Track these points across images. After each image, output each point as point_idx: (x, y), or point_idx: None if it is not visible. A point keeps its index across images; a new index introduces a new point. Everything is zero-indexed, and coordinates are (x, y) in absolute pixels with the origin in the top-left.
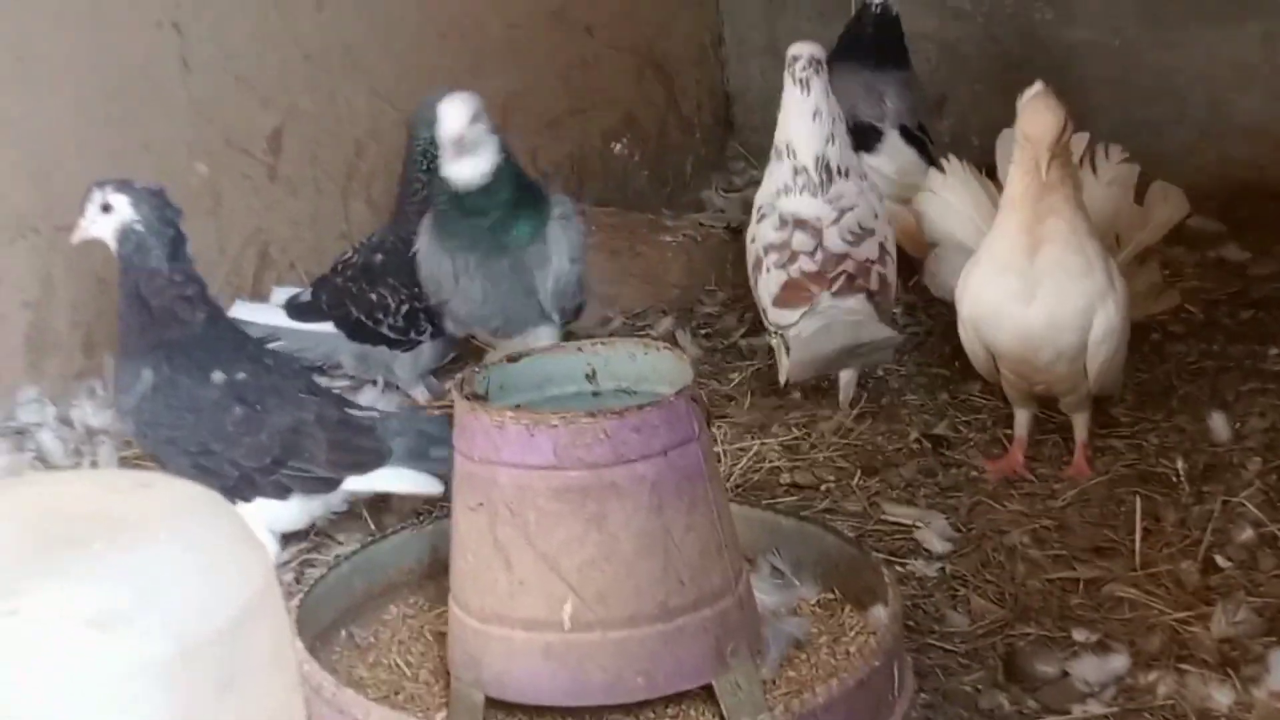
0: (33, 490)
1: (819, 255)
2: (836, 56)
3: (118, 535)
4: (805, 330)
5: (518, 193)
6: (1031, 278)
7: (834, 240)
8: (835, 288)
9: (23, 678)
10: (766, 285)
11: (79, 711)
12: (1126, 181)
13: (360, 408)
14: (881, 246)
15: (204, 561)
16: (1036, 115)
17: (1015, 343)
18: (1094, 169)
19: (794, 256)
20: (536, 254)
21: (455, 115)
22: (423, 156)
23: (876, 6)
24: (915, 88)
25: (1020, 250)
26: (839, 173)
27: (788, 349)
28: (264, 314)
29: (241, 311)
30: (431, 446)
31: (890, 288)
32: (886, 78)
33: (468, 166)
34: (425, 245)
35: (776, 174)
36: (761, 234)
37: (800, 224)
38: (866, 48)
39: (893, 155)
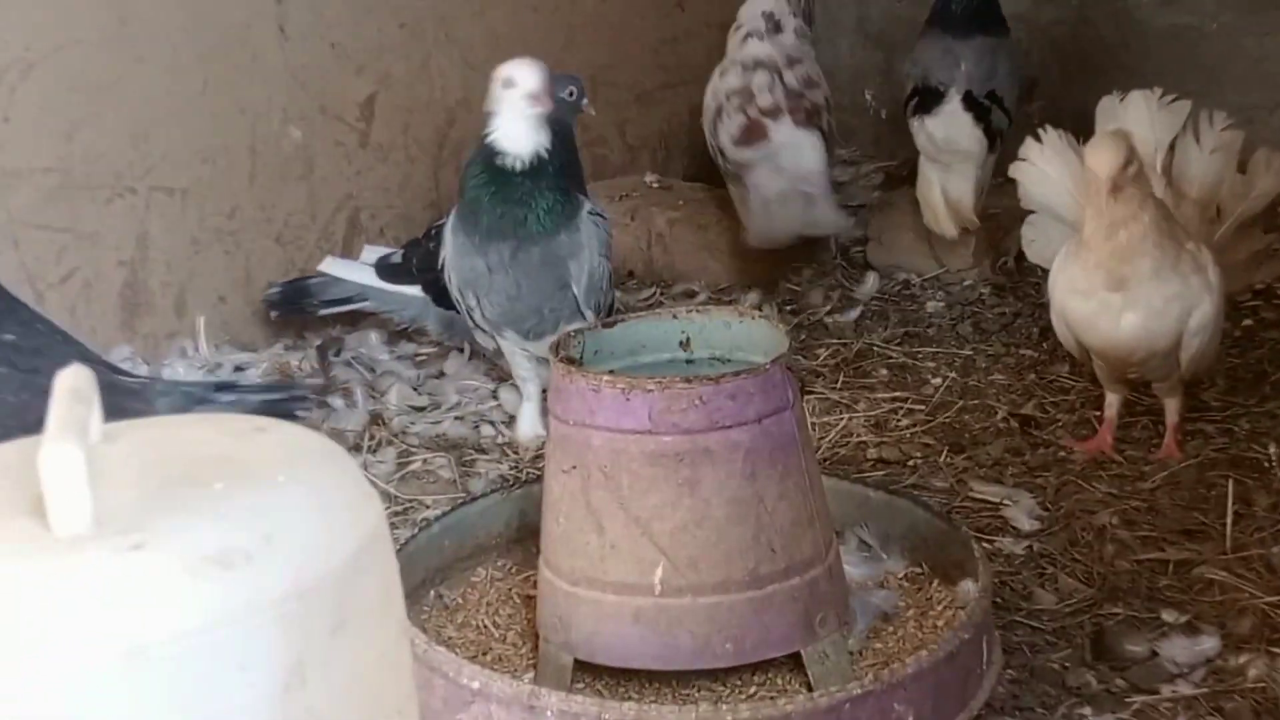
0: (153, 433)
1: (777, 90)
2: (928, 21)
3: (237, 476)
4: (767, 189)
5: (561, 173)
6: (1119, 305)
7: (791, 79)
8: (797, 119)
9: (149, 610)
10: (727, 129)
11: (203, 644)
12: (1230, 149)
13: (130, 375)
14: (827, 100)
15: (319, 504)
16: (1097, 148)
17: (1107, 346)
18: (1197, 137)
19: (751, 97)
20: (569, 243)
21: (534, 71)
22: None
23: None
24: (1002, 56)
25: (1103, 285)
26: (784, 29)
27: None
28: (354, 271)
29: (332, 267)
30: (195, 405)
31: (835, 137)
32: (969, 44)
33: (528, 137)
34: (454, 243)
35: (732, 40)
36: (724, 84)
37: (759, 64)
38: (953, 14)
39: (947, 119)
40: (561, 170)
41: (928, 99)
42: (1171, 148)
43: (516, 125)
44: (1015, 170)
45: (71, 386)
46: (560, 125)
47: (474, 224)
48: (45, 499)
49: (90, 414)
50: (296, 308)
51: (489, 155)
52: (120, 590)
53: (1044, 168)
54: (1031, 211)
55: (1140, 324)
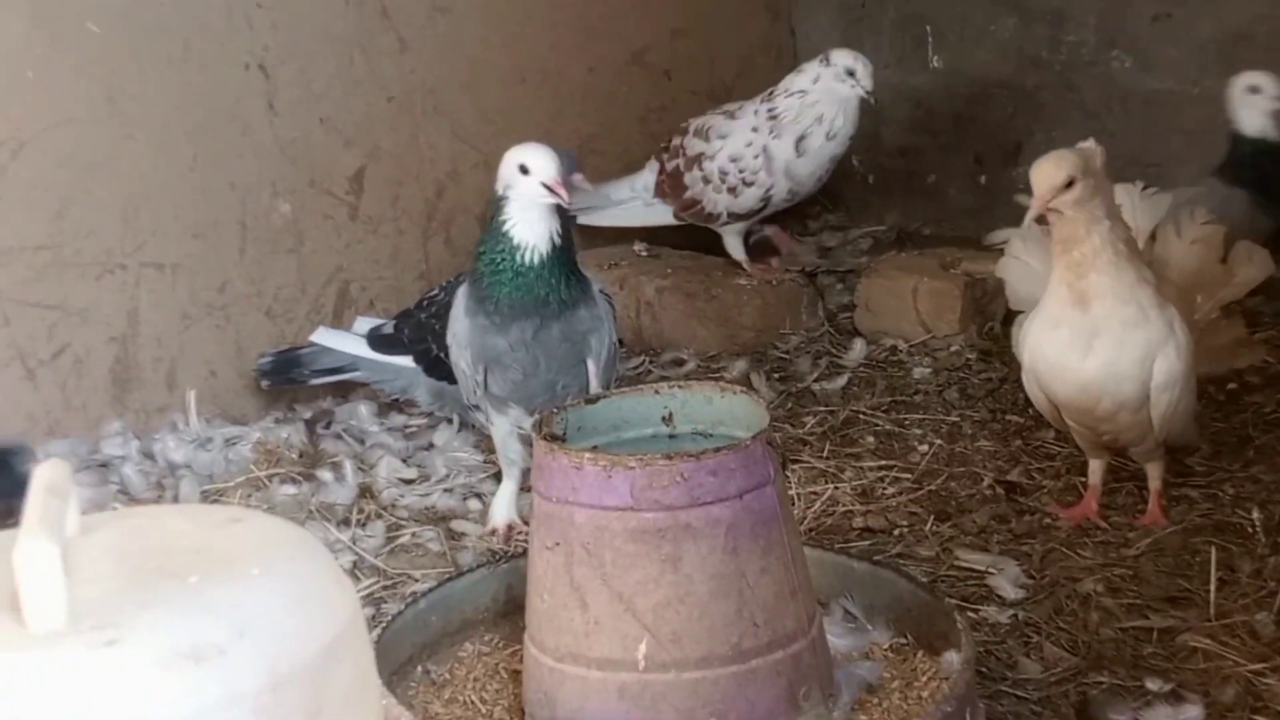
0: (129, 523)
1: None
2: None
3: (212, 568)
4: None
5: (573, 250)
6: (1086, 330)
7: (691, 124)
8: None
9: (122, 707)
10: None
11: None
12: (1211, 241)
13: None
14: (700, 165)
15: (294, 595)
16: (1038, 166)
17: (1075, 394)
18: (1178, 229)
19: None
20: (589, 318)
21: (550, 159)
22: None
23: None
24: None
25: (1068, 304)
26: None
27: None
28: (346, 341)
29: (323, 338)
30: None
31: (695, 202)
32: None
33: (543, 225)
34: (471, 323)
35: None
36: None
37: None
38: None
39: None
40: (572, 248)
41: None
42: (1154, 236)
43: (529, 213)
44: (1001, 268)
45: (48, 481)
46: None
47: (493, 306)
48: (20, 595)
49: (67, 508)
50: (288, 377)
51: (507, 246)
52: (94, 687)
53: (1029, 261)
54: (1020, 311)
55: (1105, 363)
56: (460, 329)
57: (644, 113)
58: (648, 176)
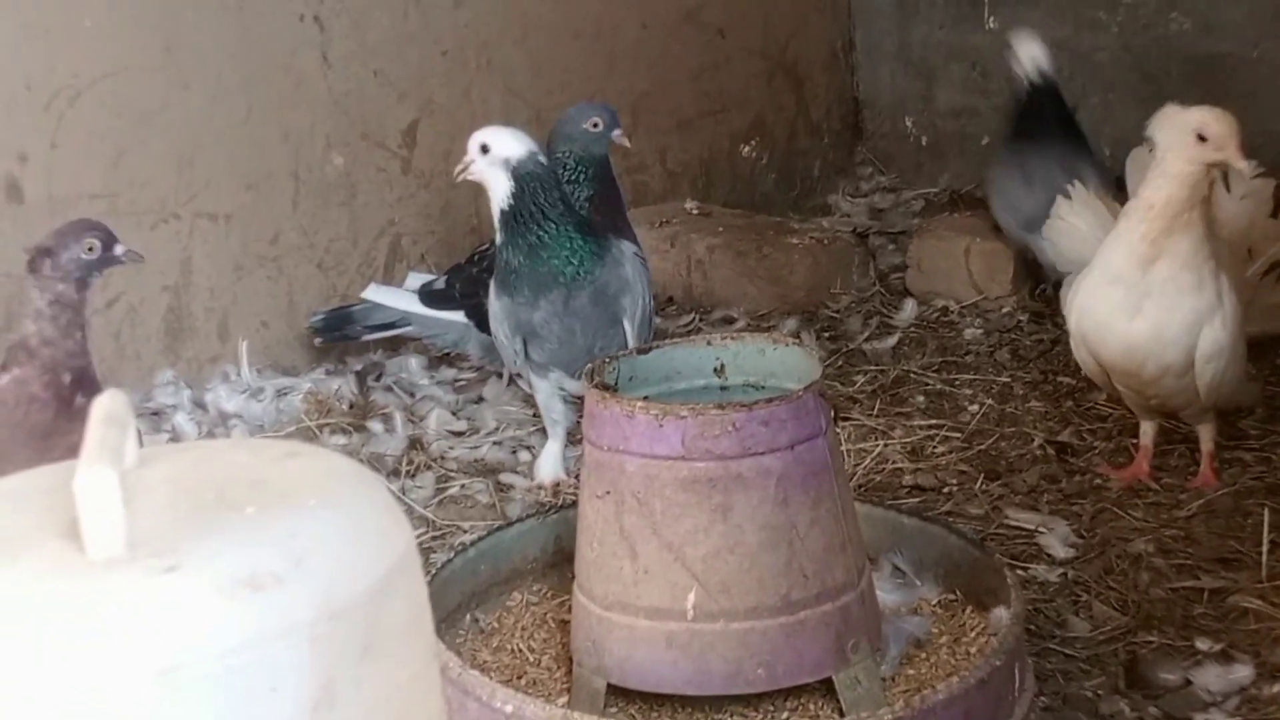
0: (188, 457)
1: None
2: None
3: (269, 500)
4: None
5: (544, 230)
6: (1140, 290)
7: None
8: None
9: (181, 632)
10: None
11: (235, 665)
12: (1261, 196)
13: None
14: None
15: (350, 528)
16: (1221, 113)
17: (1120, 356)
18: (1227, 185)
19: None
20: (616, 279)
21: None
22: (560, 169)
23: None
24: None
25: (1136, 260)
26: None
27: None
28: (397, 298)
29: (375, 294)
30: None
31: None
32: None
33: (494, 204)
34: (500, 304)
35: None
36: None
37: None
38: None
39: None
40: (542, 209)
41: None
42: None
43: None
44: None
45: (107, 411)
46: (590, 158)
47: (517, 286)
48: (80, 522)
49: (125, 438)
50: (340, 334)
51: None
52: (153, 612)
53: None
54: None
55: (1153, 325)
56: (495, 306)
57: (697, 71)
58: None
